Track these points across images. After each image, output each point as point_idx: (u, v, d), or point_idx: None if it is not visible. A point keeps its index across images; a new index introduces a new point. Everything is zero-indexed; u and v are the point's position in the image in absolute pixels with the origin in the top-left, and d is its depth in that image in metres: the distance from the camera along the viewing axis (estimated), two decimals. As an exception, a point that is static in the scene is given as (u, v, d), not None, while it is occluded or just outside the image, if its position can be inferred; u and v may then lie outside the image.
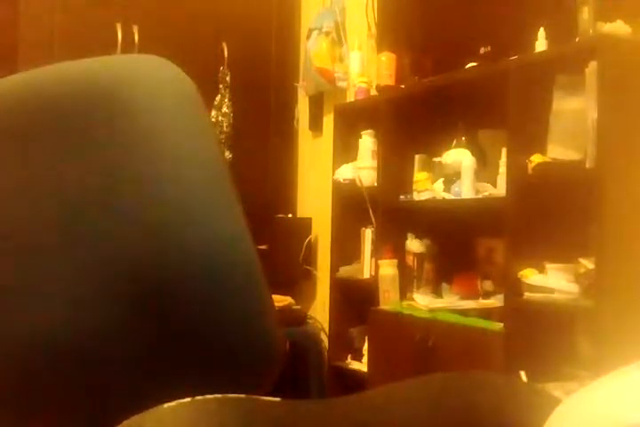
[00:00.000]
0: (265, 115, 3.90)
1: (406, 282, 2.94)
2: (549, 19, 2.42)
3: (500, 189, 2.51)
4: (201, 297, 0.87)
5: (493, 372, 0.96)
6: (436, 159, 2.86)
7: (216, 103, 3.64)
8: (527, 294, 2.29)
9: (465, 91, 2.73)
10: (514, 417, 0.86)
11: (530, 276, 2.30)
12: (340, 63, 3.61)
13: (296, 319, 3.53)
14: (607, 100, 2.10)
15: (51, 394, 0.89)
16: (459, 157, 2.68)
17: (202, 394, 0.79)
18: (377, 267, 2.97)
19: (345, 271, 3.28)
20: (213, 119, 3.61)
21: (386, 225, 2.98)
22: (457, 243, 2.88)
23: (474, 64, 2.64)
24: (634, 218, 2.15)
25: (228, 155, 3.59)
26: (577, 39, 2.26)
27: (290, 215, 3.92)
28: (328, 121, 3.71)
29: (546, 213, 2.36)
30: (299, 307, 3.64)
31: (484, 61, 2.61)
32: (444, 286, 2.88)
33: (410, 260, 2.95)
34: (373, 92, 3.25)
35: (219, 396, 0.79)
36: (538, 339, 2.32)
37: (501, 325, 2.37)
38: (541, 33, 2.40)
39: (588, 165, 2.14)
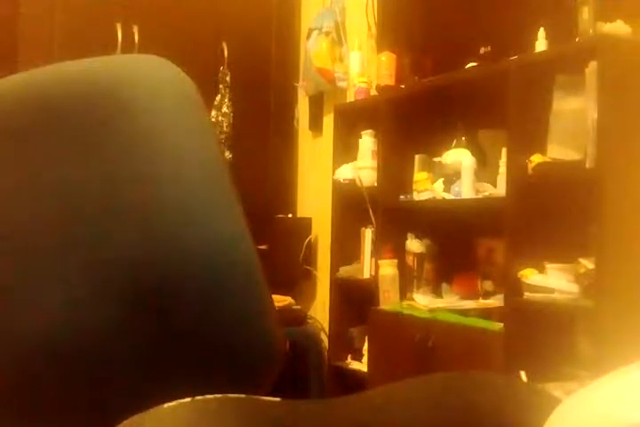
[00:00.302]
0: (265, 115, 3.90)
1: (406, 282, 2.94)
2: (549, 19, 2.42)
3: (499, 189, 2.51)
4: (201, 297, 0.87)
5: (493, 372, 0.96)
6: (436, 159, 2.86)
7: (216, 103, 3.64)
8: (527, 294, 2.29)
9: (465, 91, 2.73)
10: (514, 417, 0.86)
11: (530, 276, 2.30)
12: (340, 63, 3.61)
13: (296, 319, 3.53)
14: (607, 100, 2.10)
15: (51, 394, 0.89)
16: (459, 157, 2.68)
17: (202, 394, 0.79)
18: (377, 267, 2.97)
19: (345, 271, 3.28)
20: (213, 119, 3.61)
21: (386, 225, 2.98)
22: (457, 243, 2.88)
23: (474, 64, 2.64)
24: (634, 218, 2.15)
25: (228, 155, 3.59)
26: (577, 39, 2.26)
27: (290, 215, 3.92)
28: (328, 121, 3.71)
29: (546, 213, 2.36)
30: (299, 307, 3.64)
31: (484, 61, 2.61)
32: (444, 286, 2.88)
33: (410, 260, 2.95)
34: (373, 92, 3.25)
35: (219, 396, 0.79)
36: (538, 339, 2.32)
37: (501, 325, 2.37)
38: (541, 33, 2.41)
39: (587, 165, 2.14)
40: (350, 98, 3.51)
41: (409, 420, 0.87)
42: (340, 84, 3.59)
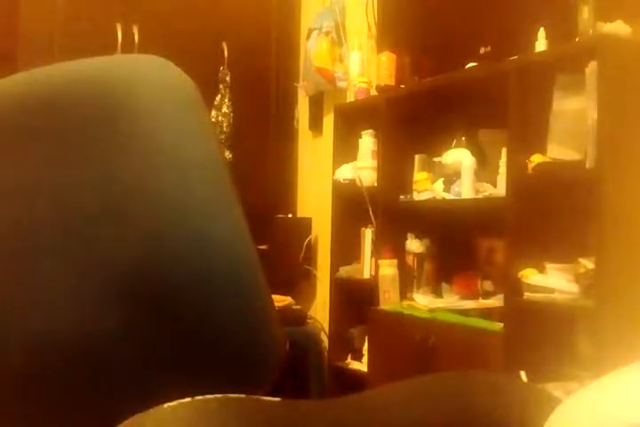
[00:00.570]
0: (265, 115, 3.90)
1: (406, 282, 2.94)
2: (549, 19, 2.42)
3: (499, 189, 2.51)
4: (201, 297, 0.87)
5: (493, 372, 0.96)
6: (436, 159, 2.86)
7: (216, 103, 3.64)
8: (527, 294, 2.29)
9: (465, 91, 2.73)
10: (514, 417, 0.86)
11: (530, 276, 2.30)
12: (340, 63, 3.61)
13: (296, 319, 3.52)
14: (607, 100, 2.10)
15: (51, 393, 0.89)
16: (459, 157, 2.68)
17: (202, 394, 0.79)
18: (377, 267, 2.97)
19: (345, 271, 3.28)
20: (213, 119, 3.61)
21: (386, 225, 2.98)
22: (457, 243, 2.88)
23: (474, 64, 2.64)
24: (634, 218, 2.15)
25: (228, 155, 3.59)
26: (577, 39, 2.26)
27: (290, 215, 3.92)
28: (328, 121, 3.71)
29: (546, 213, 2.36)
30: (299, 307, 3.64)
31: (484, 61, 2.60)
32: (444, 285, 2.88)
33: (410, 260, 2.95)
34: (373, 92, 3.25)
35: (219, 396, 0.79)
36: (538, 339, 2.32)
37: (501, 325, 2.37)
38: (541, 33, 2.40)
39: (587, 165, 2.14)
40: (350, 98, 3.51)
41: (409, 420, 0.87)
42: (340, 84, 3.59)
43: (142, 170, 0.88)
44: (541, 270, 2.30)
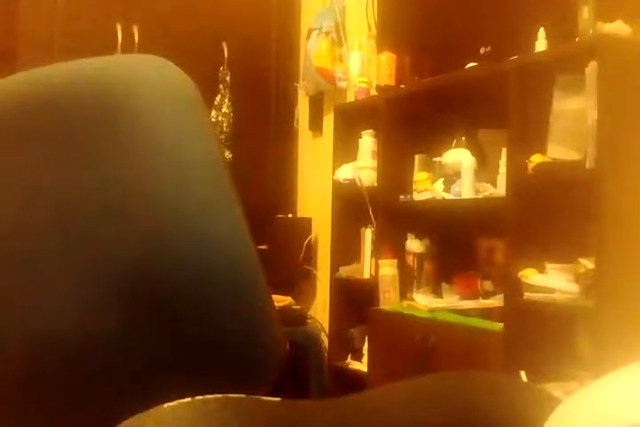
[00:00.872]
0: (265, 115, 3.90)
1: (406, 282, 2.94)
2: (549, 19, 2.42)
3: (499, 189, 2.51)
4: (201, 297, 0.87)
5: (493, 372, 0.96)
6: (436, 159, 2.86)
7: (216, 103, 3.64)
8: (527, 294, 2.29)
9: (465, 91, 2.73)
10: (514, 417, 0.86)
11: (530, 276, 2.30)
12: (339, 63, 3.61)
13: (296, 319, 3.52)
14: (607, 100, 2.10)
15: (52, 393, 0.89)
16: (459, 157, 2.68)
17: (202, 394, 0.79)
18: (377, 267, 2.97)
19: (345, 271, 3.28)
20: (213, 119, 3.61)
21: (386, 225, 2.98)
22: (457, 243, 2.88)
23: (474, 64, 2.64)
24: (634, 218, 2.15)
25: (228, 155, 3.59)
26: (577, 39, 2.26)
27: (290, 215, 3.92)
28: (328, 121, 3.72)
29: (546, 213, 2.36)
30: (299, 307, 3.64)
31: (484, 61, 2.60)
32: (444, 285, 2.88)
33: (410, 260, 2.95)
34: (373, 92, 3.25)
35: (219, 396, 0.79)
36: (538, 339, 2.32)
37: (501, 325, 2.37)
38: (541, 33, 2.40)
39: (588, 165, 2.14)
40: (350, 98, 3.51)
41: (409, 420, 0.87)
42: (340, 84, 3.59)
43: (142, 170, 0.88)
44: (541, 270, 2.30)
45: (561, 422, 0.73)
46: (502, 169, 2.49)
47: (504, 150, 2.48)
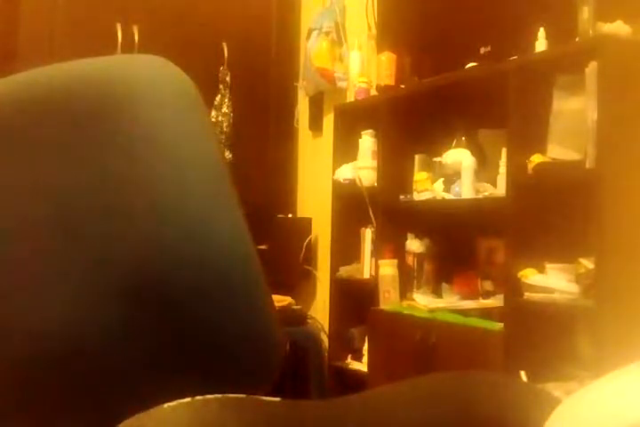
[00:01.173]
0: (265, 115, 3.90)
1: (406, 282, 2.94)
2: (549, 19, 2.42)
3: (500, 189, 2.51)
4: (200, 297, 0.87)
5: (493, 372, 0.96)
6: (436, 159, 2.86)
7: (216, 103, 3.64)
8: (527, 294, 2.29)
9: (465, 91, 2.73)
10: (514, 417, 0.86)
11: (530, 276, 2.30)
12: (340, 63, 3.61)
13: (296, 319, 3.53)
14: (607, 100, 2.10)
15: (52, 393, 0.89)
16: (459, 157, 2.68)
17: (202, 394, 0.79)
18: (377, 267, 2.97)
19: (345, 271, 3.28)
20: (213, 119, 3.61)
21: (386, 225, 2.98)
22: (457, 243, 2.88)
23: (474, 64, 2.64)
24: (634, 218, 2.15)
25: (228, 155, 3.59)
26: (577, 39, 2.26)
27: (290, 215, 3.92)
28: (328, 121, 3.71)
29: (546, 213, 2.36)
30: (299, 307, 3.64)
31: (484, 61, 2.61)
32: (444, 285, 2.88)
33: (410, 260, 2.95)
34: (373, 92, 3.25)
35: (219, 396, 0.79)
36: (538, 339, 2.32)
37: (501, 325, 2.37)
38: (541, 33, 2.40)
39: (588, 165, 2.14)
40: (350, 98, 3.51)
41: (409, 420, 0.87)
42: (340, 84, 3.59)
43: (142, 170, 0.88)
44: (541, 270, 2.30)
45: (561, 422, 0.73)
46: (502, 169, 2.49)
47: (504, 150, 2.48)
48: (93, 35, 3.34)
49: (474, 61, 2.65)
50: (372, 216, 3.05)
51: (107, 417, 0.83)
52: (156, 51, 1.12)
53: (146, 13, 3.52)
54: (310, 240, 3.76)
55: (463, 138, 2.74)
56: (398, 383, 0.92)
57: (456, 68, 2.70)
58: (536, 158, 2.31)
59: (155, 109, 0.91)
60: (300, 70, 3.94)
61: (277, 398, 0.83)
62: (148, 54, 0.99)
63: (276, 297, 2.70)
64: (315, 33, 3.67)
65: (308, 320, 3.66)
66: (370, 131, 3.15)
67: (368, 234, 3.18)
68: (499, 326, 2.38)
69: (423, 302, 2.77)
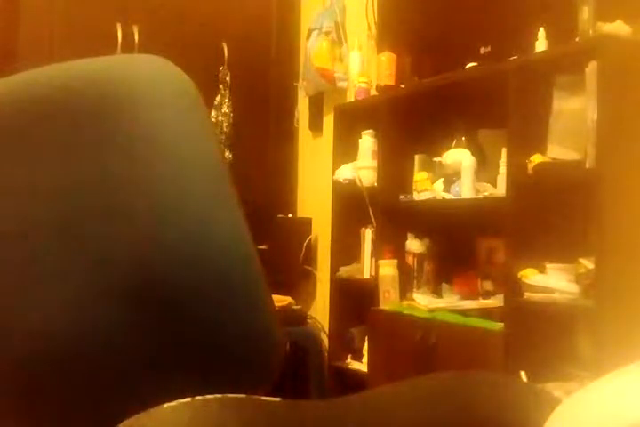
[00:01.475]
0: (265, 115, 3.90)
1: (406, 282, 2.94)
2: (549, 19, 2.42)
3: (499, 189, 2.51)
4: (201, 298, 0.87)
5: (493, 372, 0.96)
6: (436, 159, 2.86)
7: (216, 103, 3.64)
8: (527, 294, 2.29)
9: (465, 91, 2.73)
10: (514, 417, 0.86)
11: (530, 276, 2.30)
12: (340, 63, 3.61)
13: (296, 319, 3.52)
14: (607, 100, 2.10)
15: (52, 394, 0.89)
16: (459, 157, 2.68)
17: (202, 394, 0.79)
18: (377, 267, 2.97)
19: (345, 271, 3.28)
20: (213, 119, 3.61)
21: (386, 225, 2.98)
22: (457, 243, 2.88)
23: (474, 64, 2.64)
24: (634, 218, 2.15)
25: (228, 155, 3.59)
26: (577, 39, 2.26)
27: (290, 215, 3.92)
28: (328, 121, 3.71)
29: (546, 213, 2.36)
30: (299, 307, 3.64)
31: (484, 61, 2.61)
32: (444, 285, 2.88)
33: (410, 260, 2.95)
34: (373, 92, 3.25)
35: (219, 396, 0.79)
36: (538, 339, 2.32)
37: (501, 325, 2.37)
38: (541, 33, 2.40)
39: (588, 165, 2.14)
40: (350, 98, 3.51)
41: (409, 420, 0.87)
42: (340, 84, 3.59)
43: (142, 170, 0.88)
44: (541, 270, 2.30)
45: (561, 422, 0.73)
46: (502, 169, 2.49)
47: (504, 150, 2.48)
48: (93, 35, 3.34)
49: (474, 61, 2.65)
50: (371, 216, 3.04)
51: (107, 417, 0.83)
52: (156, 51, 1.13)
53: (146, 13, 3.52)
54: (310, 240, 3.76)
55: (463, 138, 2.74)
56: (398, 383, 0.92)
57: (456, 68, 2.70)
58: (536, 158, 2.31)
59: (155, 109, 0.91)
60: (299, 70, 3.94)
61: (277, 398, 0.83)
62: (148, 54, 0.99)
63: (276, 297, 2.69)
64: (315, 33, 3.67)
65: (308, 320, 3.66)
66: (370, 131, 3.15)
67: (368, 234, 3.18)
68: (499, 326, 2.38)
69: (423, 302, 2.77)
